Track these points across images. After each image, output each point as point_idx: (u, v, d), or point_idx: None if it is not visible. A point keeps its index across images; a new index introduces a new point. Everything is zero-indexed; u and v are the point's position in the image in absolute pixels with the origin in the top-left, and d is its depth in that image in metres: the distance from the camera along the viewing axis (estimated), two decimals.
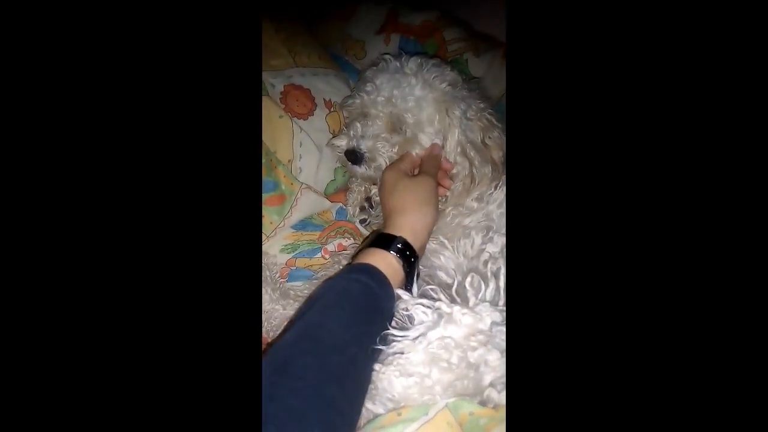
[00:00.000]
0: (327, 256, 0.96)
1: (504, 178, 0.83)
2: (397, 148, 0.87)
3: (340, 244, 0.98)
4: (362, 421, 0.53)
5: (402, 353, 0.52)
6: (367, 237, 0.74)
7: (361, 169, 0.90)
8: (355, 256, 0.69)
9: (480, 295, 0.53)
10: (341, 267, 0.86)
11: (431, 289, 0.56)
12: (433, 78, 0.87)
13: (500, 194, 0.80)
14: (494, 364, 0.51)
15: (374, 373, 0.53)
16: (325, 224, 1.00)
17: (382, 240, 0.65)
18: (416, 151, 0.86)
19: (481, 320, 0.51)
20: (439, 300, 0.53)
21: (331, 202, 1.03)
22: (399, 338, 0.54)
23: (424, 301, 0.54)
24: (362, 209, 0.99)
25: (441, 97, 0.86)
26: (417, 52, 1.16)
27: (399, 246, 0.63)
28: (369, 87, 0.90)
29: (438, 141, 0.85)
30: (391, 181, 0.76)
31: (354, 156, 0.89)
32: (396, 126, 0.87)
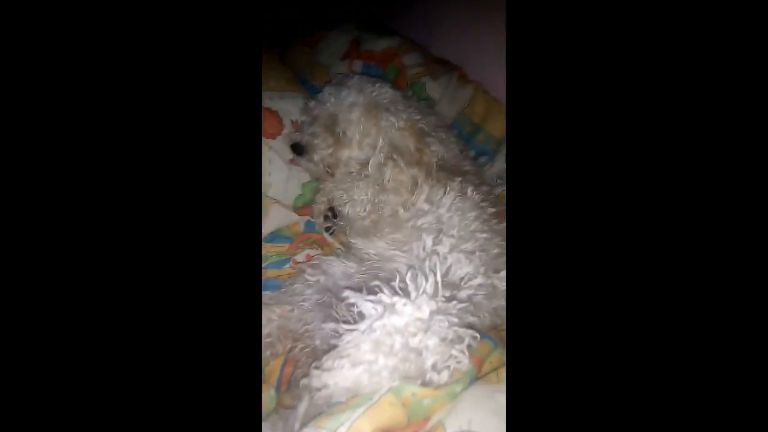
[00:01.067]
0: (295, 267, 1.03)
1: (452, 184, 0.91)
2: (332, 149, 1.01)
3: (308, 255, 1.05)
4: (310, 417, 0.59)
5: (351, 345, 0.60)
6: None
7: (302, 161, 1.05)
8: None
9: (421, 290, 0.61)
10: (304, 274, 0.93)
11: (375, 285, 0.63)
12: (368, 90, 1.02)
13: (449, 199, 0.88)
14: (434, 349, 0.58)
15: (327, 372, 0.60)
16: (293, 236, 1.07)
17: None
18: (346, 151, 1.00)
19: (419, 310, 0.59)
20: (382, 293, 0.60)
21: (299, 215, 1.10)
22: (349, 331, 0.61)
23: (372, 297, 0.62)
24: (326, 218, 1.07)
25: (371, 104, 1.00)
26: (377, 75, 1.25)
27: None
28: (318, 95, 1.07)
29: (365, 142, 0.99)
30: None
31: (297, 148, 1.04)
32: (331, 126, 1.02)
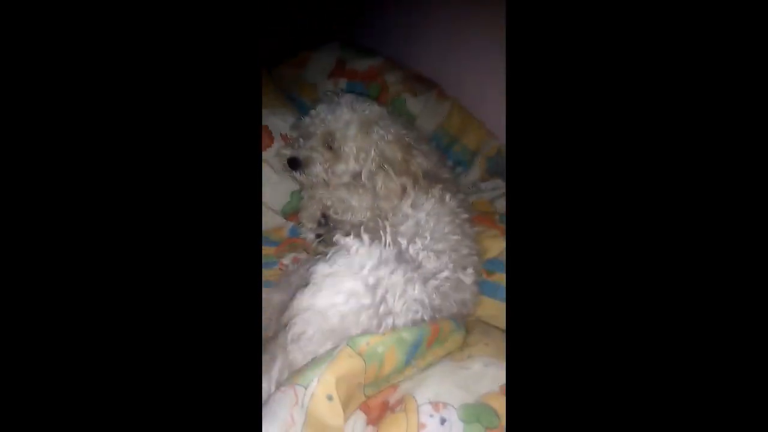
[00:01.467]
0: (283, 269, 1.10)
1: (433, 191, 1.00)
2: (328, 163, 1.09)
3: (295, 258, 1.13)
4: (286, 374, 0.69)
5: (313, 276, 0.74)
6: None
7: (299, 175, 1.12)
8: None
9: (374, 243, 0.75)
10: (297, 272, 1.01)
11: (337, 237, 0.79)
12: (360, 107, 1.11)
13: (429, 204, 0.97)
14: (383, 283, 0.71)
15: (296, 300, 0.72)
16: (279, 240, 1.15)
17: None
18: (342, 165, 1.07)
19: (371, 254, 0.73)
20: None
21: (287, 221, 1.18)
22: (314, 272, 0.75)
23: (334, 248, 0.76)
24: (318, 224, 1.14)
25: (364, 121, 1.09)
26: (361, 92, 1.35)
27: None
28: (311, 112, 1.14)
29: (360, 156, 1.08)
30: None
31: (294, 163, 1.11)
32: (328, 142, 1.10)
